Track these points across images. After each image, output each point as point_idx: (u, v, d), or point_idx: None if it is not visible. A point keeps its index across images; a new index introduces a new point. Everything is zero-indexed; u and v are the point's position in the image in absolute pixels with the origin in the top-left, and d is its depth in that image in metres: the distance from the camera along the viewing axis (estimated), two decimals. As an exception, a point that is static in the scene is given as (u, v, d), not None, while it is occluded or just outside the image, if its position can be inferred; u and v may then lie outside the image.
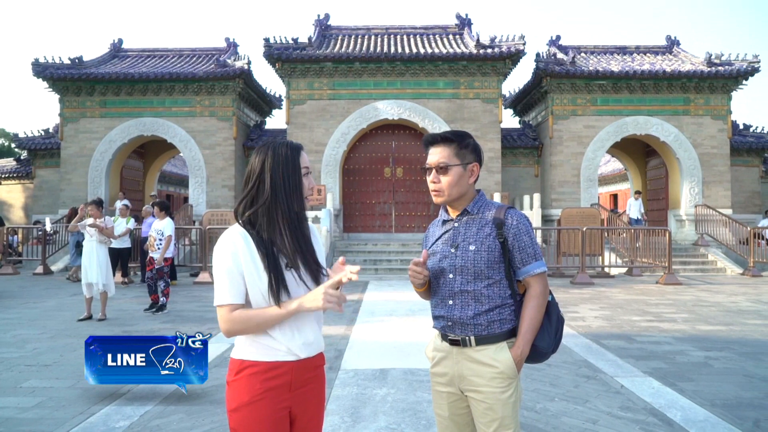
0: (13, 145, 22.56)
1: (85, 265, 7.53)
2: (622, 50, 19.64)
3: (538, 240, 13.78)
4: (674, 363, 5.07)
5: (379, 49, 17.50)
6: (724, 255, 14.98)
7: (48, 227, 9.68)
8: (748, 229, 14.17)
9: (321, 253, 1.79)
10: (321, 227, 14.48)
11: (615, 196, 29.85)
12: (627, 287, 11.00)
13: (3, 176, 19.99)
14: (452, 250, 1.91)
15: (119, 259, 11.10)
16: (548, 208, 16.95)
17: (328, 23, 19.23)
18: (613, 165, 28.04)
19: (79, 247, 11.47)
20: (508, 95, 20.50)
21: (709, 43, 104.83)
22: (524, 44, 16.80)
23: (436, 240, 2.01)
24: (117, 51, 19.56)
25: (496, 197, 15.48)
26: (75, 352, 5.65)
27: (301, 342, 1.66)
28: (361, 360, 5.19)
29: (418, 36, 18.94)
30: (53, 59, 17.37)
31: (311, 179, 1.75)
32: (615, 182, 29.02)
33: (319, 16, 18.95)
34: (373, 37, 18.83)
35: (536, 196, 15.31)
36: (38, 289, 10.92)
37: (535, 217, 14.84)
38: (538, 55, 17.68)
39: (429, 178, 1.94)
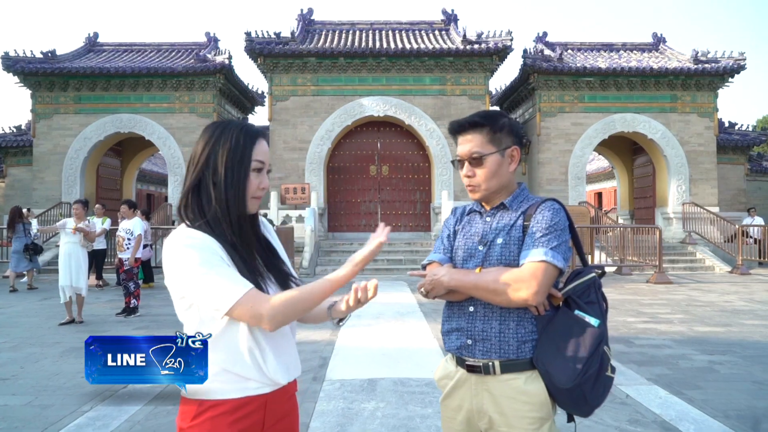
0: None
1: (64, 268, 7.16)
2: (609, 47, 19.54)
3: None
4: (678, 369, 4.81)
5: (363, 44, 17.14)
6: (712, 253, 14.91)
7: (34, 228, 9.16)
8: (736, 227, 14.11)
9: (283, 255, 1.49)
10: (305, 226, 14.10)
11: (600, 195, 29.91)
12: (618, 286, 10.81)
13: (-27, 175, 19.20)
14: (480, 248, 1.58)
15: (94, 260, 10.57)
16: (536, 207, 16.72)
17: (312, 18, 18.83)
18: (598, 163, 28.06)
19: (27, 251, 10.77)
20: (495, 92, 20.29)
21: (696, 40, 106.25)
22: (511, 40, 16.59)
23: (459, 234, 1.67)
24: (92, 45, 18.90)
25: (484, 195, 15.20)
26: (37, 363, 5.22)
27: (284, 366, 1.34)
28: (347, 369, 4.85)
29: (403, 31, 18.62)
30: (24, 53, 16.68)
31: (265, 178, 1.38)
32: (600, 180, 29.07)
33: (302, 10, 18.53)
34: (357, 32, 18.47)
35: (524, 194, 15.05)
36: (5, 294, 10.37)
37: (523, 215, 14.58)
38: (525, 51, 17.47)
39: (462, 172, 1.63)
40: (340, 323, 1.44)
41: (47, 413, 3.81)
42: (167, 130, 16.83)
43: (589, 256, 12.76)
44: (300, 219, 15.04)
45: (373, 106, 16.74)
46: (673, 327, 6.71)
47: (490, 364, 1.52)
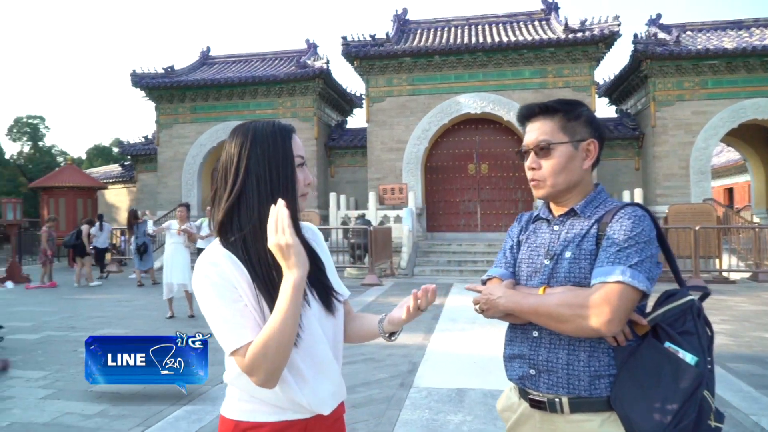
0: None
1: (168, 266, 7.68)
2: (737, 25, 17.43)
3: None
4: (830, 397, 4.04)
5: (459, 40, 16.82)
6: None
7: (150, 230, 10.21)
8: None
9: (330, 267, 1.33)
10: (403, 227, 14.08)
11: (730, 191, 26.81)
12: (753, 296, 9.50)
13: (110, 181, 21.57)
14: (546, 262, 1.35)
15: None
16: (652, 205, 15.37)
17: (407, 18, 18.83)
18: (728, 155, 25.22)
19: (139, 251, 11.73)
20: (602, 83, 18.96)
21: None
22: (619, 25, 15.40)
23: (524, 246, 1.45)
24: (206, 59, 20.42)
25: (591, 193, 14.21)
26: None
27: (325, 395, 1.21)
28: (436, 376, 4.66)
29: (500, 24, 18.00)
30: (148, 69, 18.40)
31: (307, 172, 1.27)
32: (730, 175, 26.05)
33: (396, 11, 18.59)
34: (452, 29, 18.16)
35: (638, 192, 13.91)
36: (134, 287, 11.44)
37: (635, 214, 13.42)
38: (635, 36, 16.11)
39: (526, 164, 1.40)
40: (392, 337, 1.29)
41: (150, 404, 4.05)
42: (271, 135, 17.67)
43: (717, 260, 11.42)
44: (398, 219, 15.06)
45: (470, 103, 16.35)
46: (822, 345, 5.72)
47: (557, 400, 1.28)
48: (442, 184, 17.55)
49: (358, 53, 16.40)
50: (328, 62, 17.40)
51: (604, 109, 20.67)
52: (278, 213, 1.08)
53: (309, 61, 17.83)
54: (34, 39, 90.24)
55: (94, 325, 7.14)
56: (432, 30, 18.32)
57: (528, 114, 1.42)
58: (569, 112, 1.37)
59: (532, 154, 1.38)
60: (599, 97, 18.89)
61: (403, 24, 18.57)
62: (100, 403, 4.04)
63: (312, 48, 19.46)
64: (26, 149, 40.78)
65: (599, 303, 1.18)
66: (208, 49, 20.65)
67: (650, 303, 1.33)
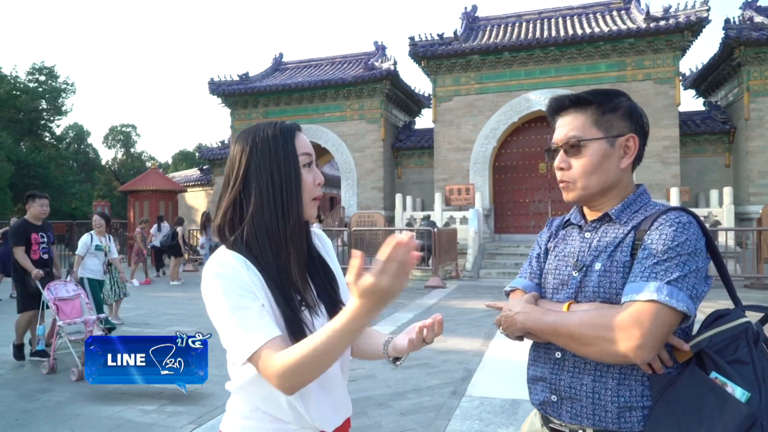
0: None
1: None
2: None
3: (730, 243, 11.41)
4: None
5: (530, 35, 16.25)
6: None
7: None
8: None
9: (339, 277, 1.25)
10: (469, 228, 13.80)
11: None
12: None
13: (190, 184, 22.81)
14: (574, 274, 1.19)
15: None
16: (744, 205, 14.06)
17: (476, 15, 18.46)
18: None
19: (211, 251, 12.21)
20: (688, 73, 17.64)
21: None
22: (708, 11, 14.24)
23: (551, 254, 1.30)
24: (278, 65, 21.09)
25: (673, 193, 13.24)
26: (211, 352, 5.80)
27: (330, 410, 1.14)
28: (491, 385, 4.46)
29: (575, 17, 17.20)
30: (224, 77, 19.26)
31: (316, 171, 1.18)
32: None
33: (466, 8, 18.26)
34: (524, 24, 17.59)
35: (727, 190, 12.76)
36: (206, 286, 11.99)
37: (726, 215, 12.35)
38: (727, 21, 14.83)
39: (555, 163, 1.25)
40: (397, 363, 1.18)
41: (205, 402, 4.16)
42: (340, 137, 17.98)
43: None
44: (464, 220, 14.79)
45: (541, 100, 15.74)
46: None
47: None
48: (511, 184, 17.06)
49: (425, 53, 16.28)
50: (395, 63, 17.42)
51: (690, 101, 19.18)
52: (402, 254, 0.84)
53: (377, 63, 17.93)
54: (125, 51, 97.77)
55: (165, 323, 7.51)
56: (502, 26, 17.84)
57: (558, 107, 1.26)
58: (604, 104, 1.20)
59: (561, 152, 1.23)
60: (685, 89, 17.60)
61: (472, 21, 18.22)
62: (158, 400, 4.20)
63: (380, 50, 19.56)
64: (119, 155, 44.23)
65: (628, 325, 1.01)
66: (281, 55, 21.33)
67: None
